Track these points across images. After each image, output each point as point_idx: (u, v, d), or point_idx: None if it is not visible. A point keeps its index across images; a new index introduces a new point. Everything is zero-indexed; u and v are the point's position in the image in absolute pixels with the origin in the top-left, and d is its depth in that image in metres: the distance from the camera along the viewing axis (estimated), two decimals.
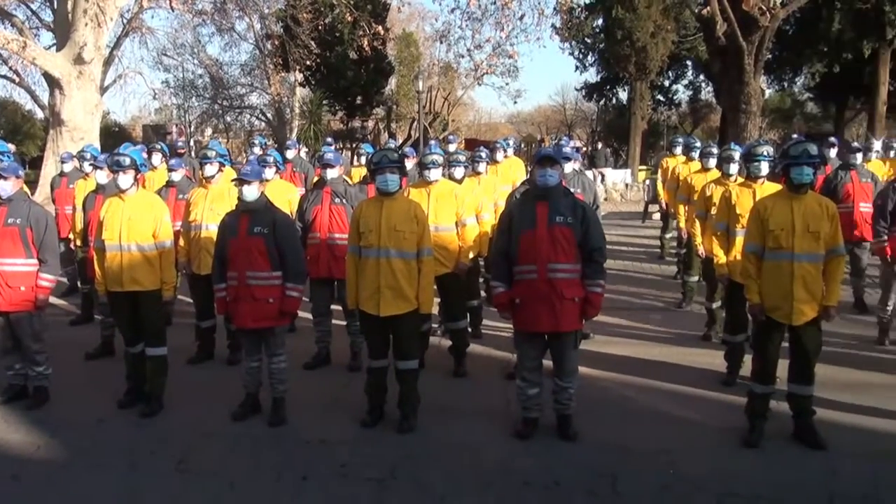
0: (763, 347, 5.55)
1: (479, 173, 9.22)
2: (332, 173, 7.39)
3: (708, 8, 15.61)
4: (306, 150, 16.59)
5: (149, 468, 5.30)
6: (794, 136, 8.87)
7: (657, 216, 15.02)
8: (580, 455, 5.37)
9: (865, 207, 8.92)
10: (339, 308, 7.62)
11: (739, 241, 6.26)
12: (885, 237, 7.85)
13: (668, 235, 12.61)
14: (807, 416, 5.52)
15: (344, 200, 7.32)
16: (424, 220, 5.92)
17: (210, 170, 7.61)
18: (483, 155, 9.47)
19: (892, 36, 27.76)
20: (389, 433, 5.75)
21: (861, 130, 37.37)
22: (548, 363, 5.67)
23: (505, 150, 11.02)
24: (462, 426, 5.91)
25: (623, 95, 38.65)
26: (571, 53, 36.27)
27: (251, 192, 5.95)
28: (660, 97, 40.84)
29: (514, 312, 5.57)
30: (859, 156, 9.63)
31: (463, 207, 7.14)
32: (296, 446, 5.61)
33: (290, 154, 11.83)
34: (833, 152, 10.78)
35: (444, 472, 5.18)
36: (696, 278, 9.14)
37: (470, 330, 7.68)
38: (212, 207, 7.40)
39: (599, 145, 33.53)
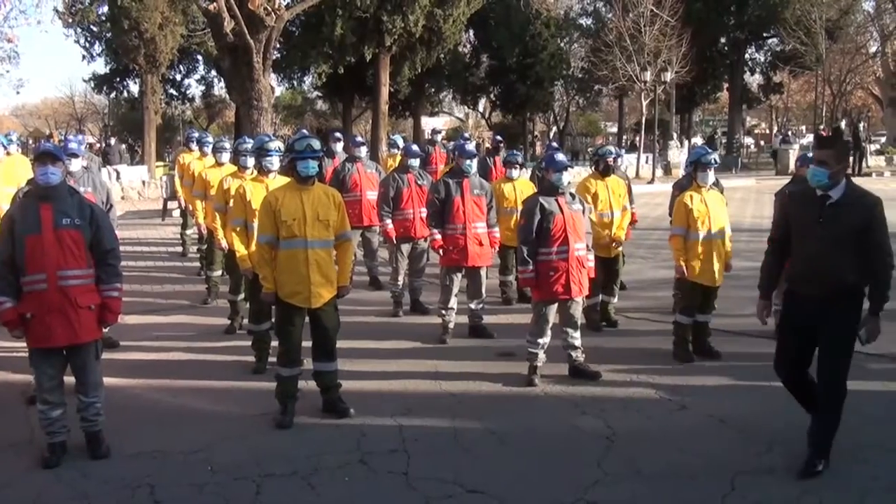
0: (286, 332, 5.81)
1: None
2: None
3: (215, 4, 15.68)
4: None
5: None
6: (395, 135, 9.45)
7: (177, 213, 14.84)
8: (115, 470, 5.07)
9: (372, 195, 9.79)
10: None
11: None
12: (389, 220, 8.87)
13: (188, 232, 12.53)
14: (333, 389, 5.93)
15: None
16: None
17: None
18: None
19: (391, 43, 30.74)
20: None
21: (367, 126, 40.94)
22: (70, 380, 5.27)
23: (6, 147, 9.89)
24: None
25: (135, 88, 37.12)
26: (77, 41, 33.90)
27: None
28: (173, 91, 40.13)
29: (27, 329, 5.06)
30: (363, 149, 10.53)
31: None
32: None
33: None
34: (340, 146, 11.63)
35: None
36: (219, 272, 9.22)
37: None
38: None
39: (113, 141, 31.90)
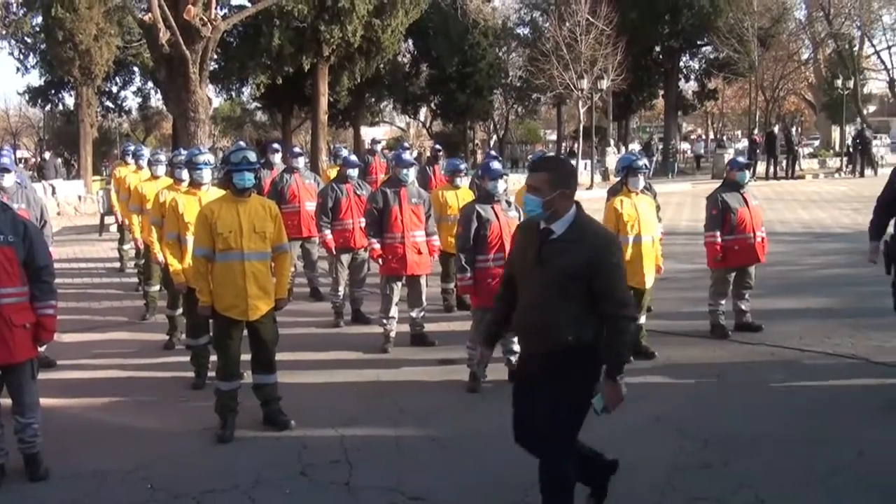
0: (225, 346, 5.78)
1: None
2: None
3: (150, 15, 15.49)
4: None
5: None
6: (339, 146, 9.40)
7: (114, 228, 14.59)
8: (53, 492, 4.99)
9: (311, 206, 9.76)
10: None
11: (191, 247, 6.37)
12: (328, 231, 8.91)
13: (125, 247, 12.34)
14: (273, 402, 5.91)
15: None
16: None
17: None
18: None
19: (329, 53, 30.65)
20: None
21: (308, 137, 40.73)
22: (7, 401, 5.16)
23: None
24: None
25: (70, 101, 36.34)
26: (11, 53, 33.15)
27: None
28: (109, 104, 39.40)
29: None
30: (301, 159, 10.51)
31: None
32: None
33: None
34: (278, 157, 11.58)
35: None
36: (157, 287, 9.09)
37: None
38: None
39: (48, 155, 31.23)
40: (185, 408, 6.47)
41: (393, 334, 7.99)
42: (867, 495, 4.70)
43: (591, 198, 22.54)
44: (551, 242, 3.86)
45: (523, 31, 45.17)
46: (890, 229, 6.33)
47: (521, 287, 4.04)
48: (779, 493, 4.75)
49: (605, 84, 29.96)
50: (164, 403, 6.60)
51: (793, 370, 7.00)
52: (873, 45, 39.83)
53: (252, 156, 5.72)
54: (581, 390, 3.91)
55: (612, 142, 36.06)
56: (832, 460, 5.08)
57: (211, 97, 17.57)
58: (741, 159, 9.00)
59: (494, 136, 53.85)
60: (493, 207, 6.67)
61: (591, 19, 29.41)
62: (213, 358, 6.23)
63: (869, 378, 6.53)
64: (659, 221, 8.38)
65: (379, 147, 15.80)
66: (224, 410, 5.79)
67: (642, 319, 7.49)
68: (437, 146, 15.33)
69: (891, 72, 38.82)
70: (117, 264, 12.87)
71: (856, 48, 37.96)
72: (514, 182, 18.92)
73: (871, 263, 6.37)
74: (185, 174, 7.36)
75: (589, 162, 30.22)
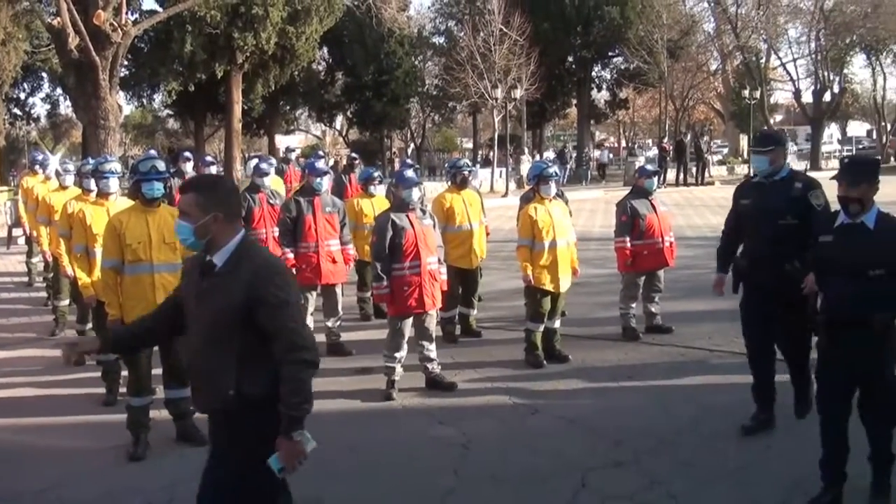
0: (135, 360, 5.63)
1: None
2: None
3: (59, 19, 15.06)
4: None
5: None
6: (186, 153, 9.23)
7: (22, 240, 14.09)
8: None
9: None
10: None
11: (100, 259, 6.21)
12: None
13: (34, 260, 11.93)
14: (186, 416, 5.79)
15: None
16: None
17: None
18: None
19: (242, 60, 30.27)
20: None
21: (221, 145, 40.12)
22: None
23: None
24: None
25: None
26: None
27: None
28: (17, 111, 38.10)
29: None
30: (214, 168, 10.38)
31: None
32: None
33: None
34: (190, 166, 11.39)
35: None
36: (66, 302, 8.85)
37: None
38: None
39: None
40: (97, 425, 6.30)
41: None
42: (775, 488, 4.86)
43: (507, 205, 22.87)
44: (211, 277, 3.28)
45: (439, 40, 45.61)
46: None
47: (188, 330, 3.45)
48: (689, 488, 4.89)
49: (519, 93, 30.45)
50: (75, 421, 6.41)
51: (702, 370, 7.23)
52: (779, 58, 41.40)
53: (161, 165, 5.64)
54: (248, 459, 3.24)
55: (526, 150, 36.61)
56: (741, 455, 5.26)
57: (121, 104, 17.21)
58: (649, 167, 9.26)
59: (412, 145, 54.01)
60: (408, 216, 6.70)
61: (504, 29, 29.84)
62: (125, 373, 6.07)
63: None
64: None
65: (294, 155, 15.67)
66: (136, 427, 5.67)
67: (556, 324, 7.65)
68: (354, 155, 15.31)
69: (796, 83, 40.42)
70: (25, 278, 12.46)
71: (762, 60, 39.39)
72: (430, 190, 19.10)
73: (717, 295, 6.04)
74: (93, 184, 7.18)
75: (504, 169, 30.61)
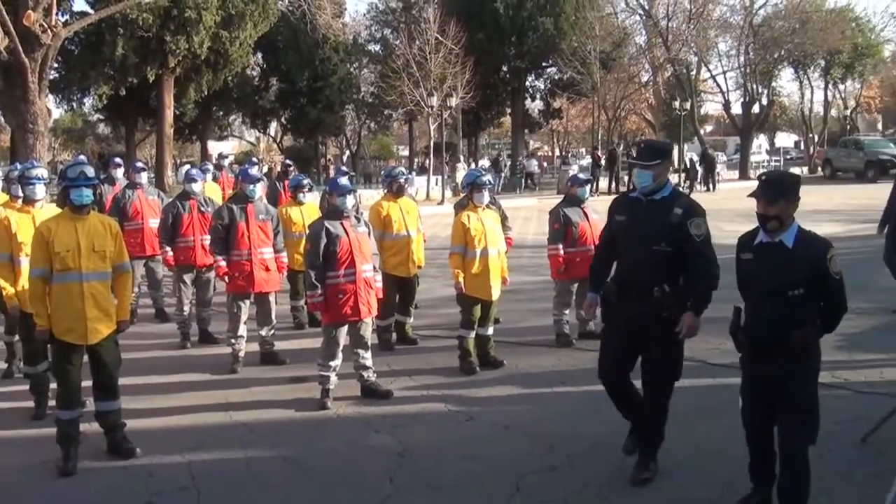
0: (64, 372, 5.48)
1: None
2: None
3: None
4: None
5: None
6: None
7: None
8: None
9: (154, 223, 9.43)
10: None
11: (25, 268, 6.06)
12: (168, 248, 8.72)
13: None
14: (117, 429, 5.68)
15: None
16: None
17: None
18: None
19: (175, 64, 29.78)
20: None
21: (153, 151, 39.39)
22: None
23: None
24: None
25: None
26: None
27: None
28: None
29: None
30: (144, 175, 10.17)
31: None
32: None
33: None
34: (120, 172, 11.17)
35: None
36: None
37: None
38: None
39: None
40: (25, 440, 6.11)
41: (242, 354, 7.84)
42: (705, 487, 5.00)
43: (443, 213, 22.95)
44: None
45: (374, 47, 45.56)
46: None
47: None
48: (622, 490, 4.99)
49: (454, 101, 30.62)
50: (2, 436, 6.21)
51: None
52: (709, 70, 42.46)
53: (90, 171, 5.50)
54: None
55: (462, 158, 36.78)
56: (672, 457, 5.35)
57: (51, 108, 16.78)
58: (581, 176, 9.39)
59: (347, 152, 53.81)
60: (342, 223, 6.69)
61: (440, 38, 30.00)
62: (54, 386, 5.91)
63: (706, 378, 6.90)
64: (510, 229, 8.88)
65: (227, 162, 15.50)
66: (65, 441, 5.51)
67: (490, 331, 7.72)
68: (288, 161, 15.21)
69: (726, 95, 41.49)
70: None
71: (693, 72, 40.34)
72: (367, 198, 19.05)
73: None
74: (20, 190, 7.00)
75: (440, 177, 30.72)
